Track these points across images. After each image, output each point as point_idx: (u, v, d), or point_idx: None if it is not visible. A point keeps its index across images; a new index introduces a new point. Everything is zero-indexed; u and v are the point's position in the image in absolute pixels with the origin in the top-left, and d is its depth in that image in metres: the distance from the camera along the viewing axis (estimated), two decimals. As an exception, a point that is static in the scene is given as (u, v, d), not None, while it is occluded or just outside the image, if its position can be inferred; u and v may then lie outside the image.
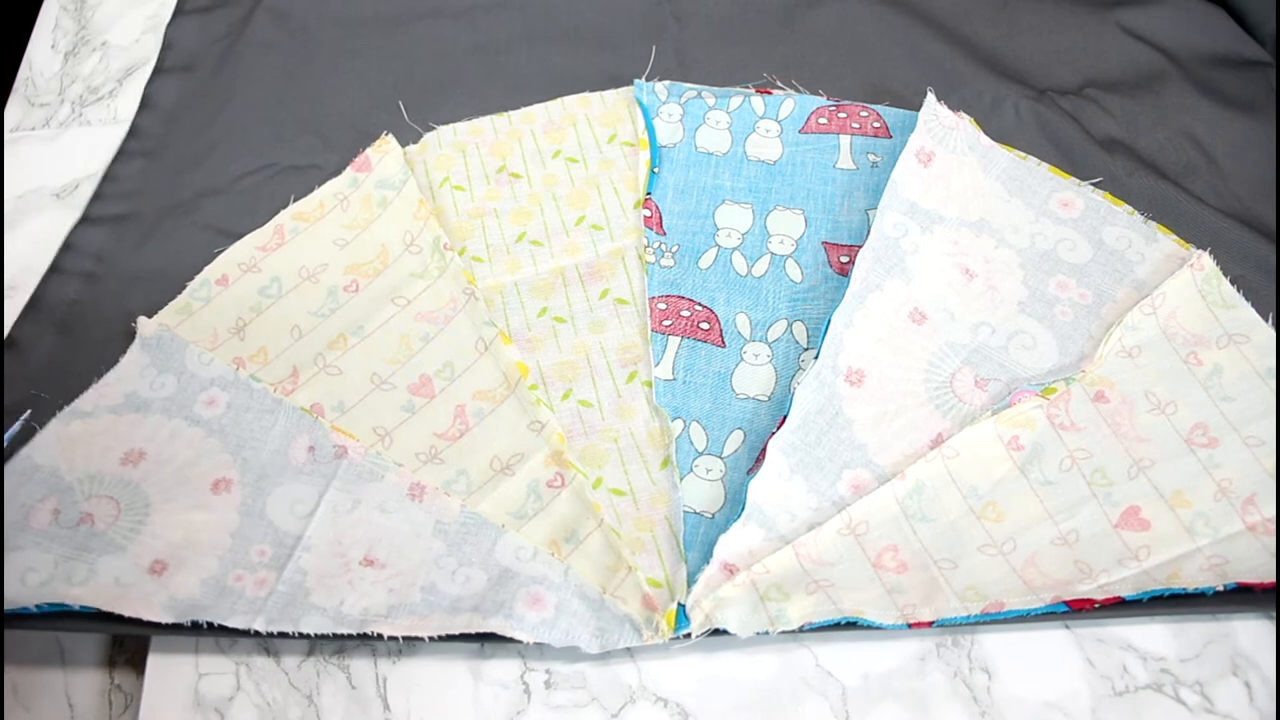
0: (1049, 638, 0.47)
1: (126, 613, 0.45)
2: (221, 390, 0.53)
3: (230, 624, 0.45)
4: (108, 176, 0.64)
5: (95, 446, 0.51)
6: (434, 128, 0.65)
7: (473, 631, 0.45)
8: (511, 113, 0.66)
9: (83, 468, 0.50)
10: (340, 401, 0.53)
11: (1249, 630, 0.47)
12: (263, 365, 0.54)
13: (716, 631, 0.45)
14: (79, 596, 0.45)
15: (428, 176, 0.63)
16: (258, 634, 0.45)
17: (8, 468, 0.50)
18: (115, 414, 0.52)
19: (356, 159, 0.63)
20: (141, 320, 0.55)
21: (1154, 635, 0.47)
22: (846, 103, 0.64)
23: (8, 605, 0.45)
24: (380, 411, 0.53)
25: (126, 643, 0.48)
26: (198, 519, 0.48)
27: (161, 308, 0.57)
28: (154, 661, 0.46)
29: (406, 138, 0.64)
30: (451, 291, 0.57)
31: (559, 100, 0.66)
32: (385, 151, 0.63)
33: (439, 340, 0.55)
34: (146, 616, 0.45)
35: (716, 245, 0.59)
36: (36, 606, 0.45)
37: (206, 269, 0.58)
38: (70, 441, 0.51)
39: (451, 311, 0.56)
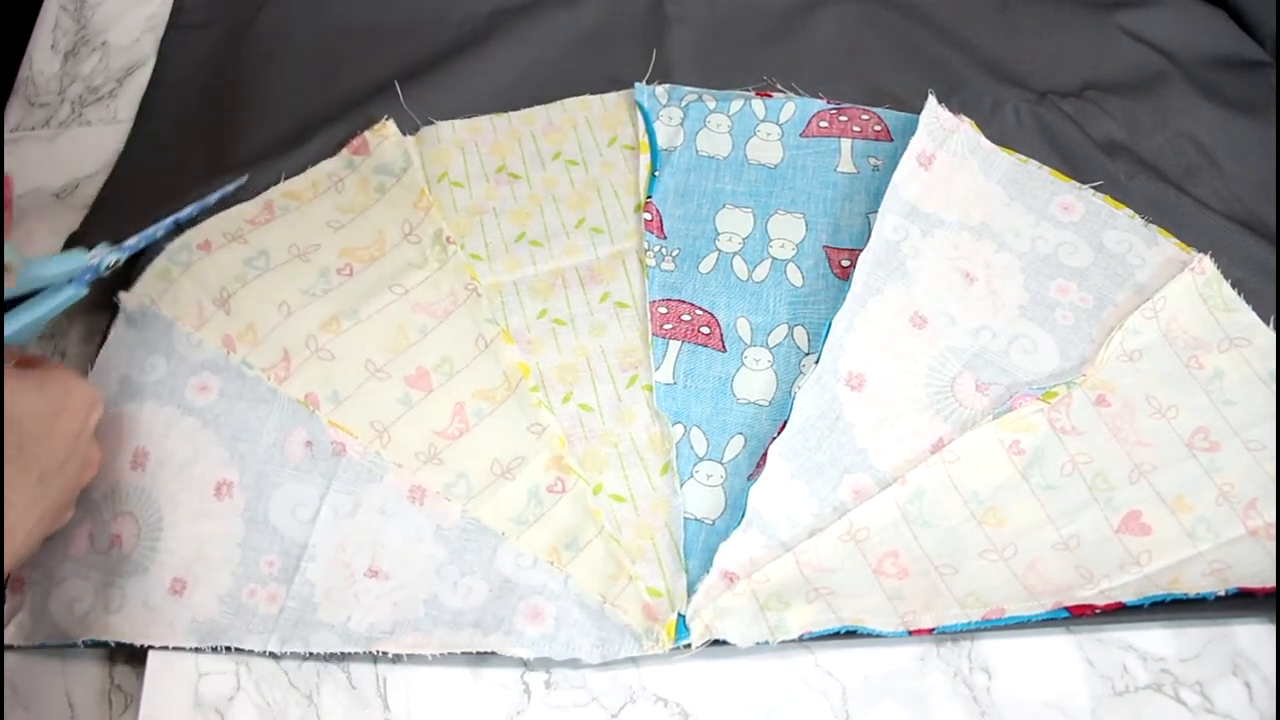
0: (1049, 638, 0.47)
1: (156, 642, 0.46)
2: (213, 375, 0.52)
3: (246, 645, 0.46)
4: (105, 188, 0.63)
5: (106, 448, 0.51)
6: (433, 122, 0.64)
7: (474, 651, 0.45)
8: (511, 114, 0.66)
9: (103, 481, 0.50)
10: (335, 391, 0.53)
11: (1249, 631, 0.47)
12: (253, 347, 0.53)
13: (717, 641, 0.45)
14: (116, 625, 0.46)
15: (424, 170, 0.62)
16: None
17: None
18: (115, 405, 0.52)
19: (353, 141, 0.62)
20: (123, 295, 0.54)
21: (1154, 635, 0.47)
22: (847, 106, 0.64)
23: (59, 638, 0.47)
24: (377, 403, 0.52)
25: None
26: (206, 529, 0.49)
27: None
28: (154, 661, 0.46)
29: (404, 131, 0.64)
30: (452, 285, 0.57)
31: (559, 102, 0.66)
32: (385, 136, 0.62)
33: (437, 334, 0.55)
34: (173, 643, 0.46)
35: (717, 249, 0.59)
36: (83, 642, 0.46)
37: (188, 232, 0.57)
38: None
39: (451, 305, 0.56)
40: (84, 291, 0.51)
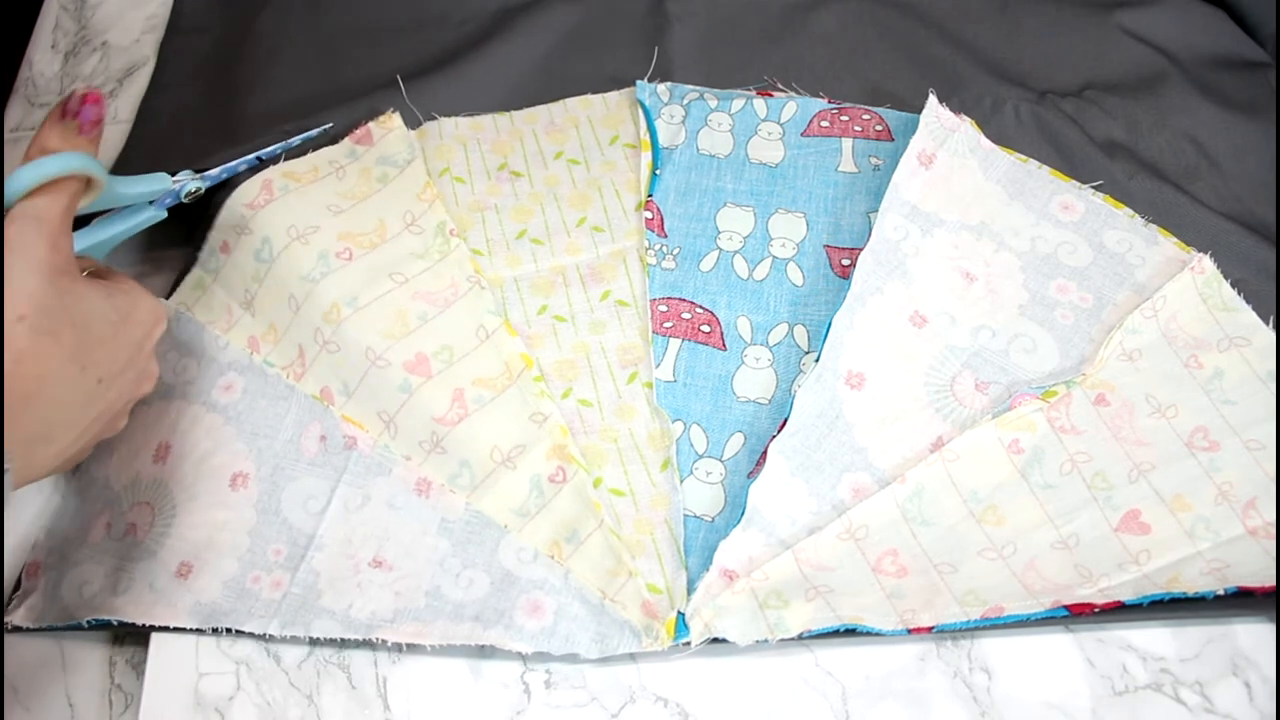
0: (1049, 638, 0.47)
1: (158, 622, 0.46)
2: (238, 375, 0.53)
3: (247, 628, 0.46)
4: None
5: (134, 444, 0.51)
6: (435, 117, 0.64)
7: (473, 644, 0.45)
8: (513, 113, 0.66)
9: (126, 473, 0.51)
10: (345, 383, 0.53)
11: (1249, 630, 0.47)
12: (274, 345, 0.54)
13: (716, 640, 0.45)
14: (121, 607, 0.47)
15: (426, 164, 0.62)
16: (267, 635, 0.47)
17: (73, 484, 0.52)
18: (145, 404, 0.52)
19: (356, 130, 0.61)
20: (162, 303, 0.55)
21: (1154, 635, 0.47)
22: (848, 105, 0.64)
23: (65, 619, 0.47)
24: (381, 394, 0.52)
25: (126, 642, 0.48)
26: (219, 517, 0.49)
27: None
28: (154, 661, 0.46)
29: (407, 126, 0.63)
30: (454, 276, 0.56)
31: (560, 102, 0.66)
32: (389, 128, 0.62)
33: (437, 322, 0.55)
34: (174, 623, 0.46)
35: (718, 248, 0.59)
36: (87, 622, 0.46)
37: (211, 234, 0.57)
38: (114, 442, 0.52)
39: (452, 296, 0.56)
40: (162, 215, 0.53)
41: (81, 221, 0.49)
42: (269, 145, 0.59)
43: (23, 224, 0.40)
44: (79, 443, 0.43)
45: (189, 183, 0.54)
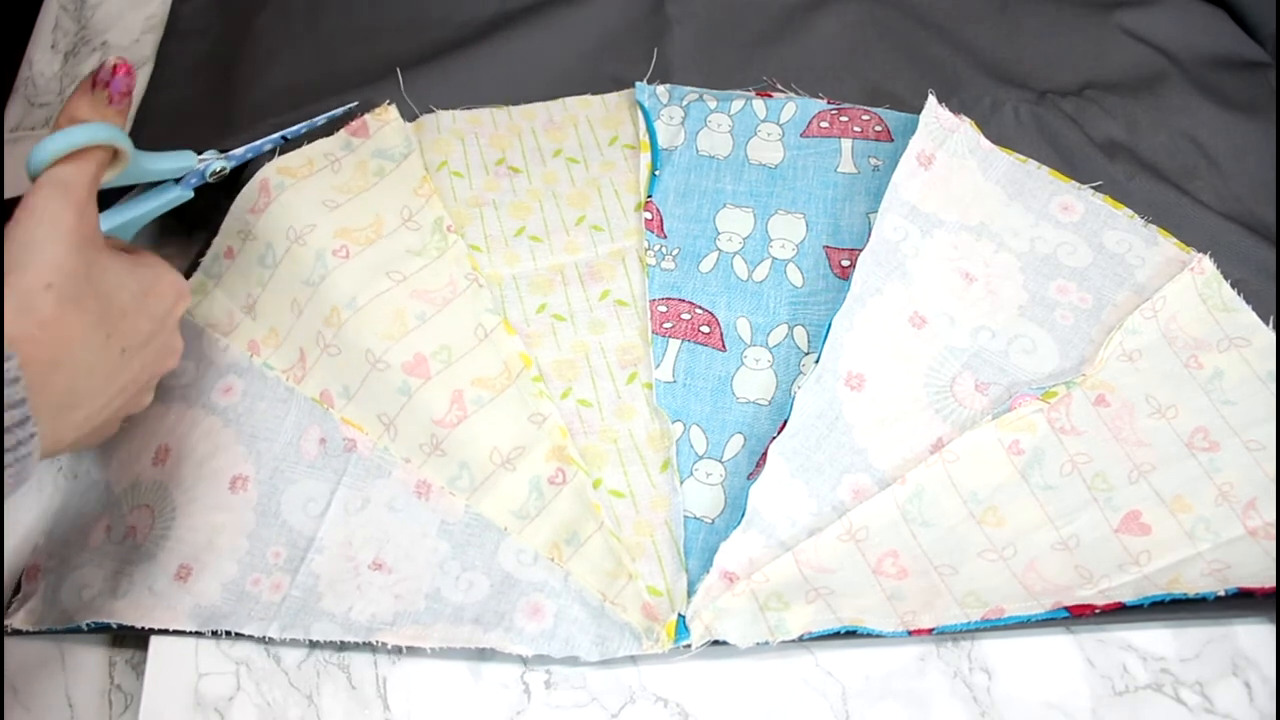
0: (1049, 638, 0.47)
1: (157, 625, 0.46)
2: (238, 377, 0.53)
3: (247, 631, 0.46)
4: None
5: (133, 447, 0.51)
6: (433, 110, 0.64)
7: (473, 646, 0.45)
8: (511, 108, 0.66)
9: (125, 476, 0.51)
10: (345, 386, 0.53)
11: (1249, 631, 0.47)
12: (275, 349, 0.54)
13: (717, 641, 0.45)
14: (121, 610, 0.47)
15: (423, 158, 0.62)
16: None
17: (73, 487, 0.52)
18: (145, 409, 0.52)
19: (352, 123, 0.61)
20: (184, 279, 0.55)
21: (1154, 635, 0.47)
22: (848, 106, 0.64)
23: (65, 622, 0.47)
24: (380, 396, 0.52)
25: (126, 643, 0.48)
26: (218, 520, 0.49)
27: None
28: (154, 661, 0.46)
29: (404, 119, 0.63)
30: (452, 274, 0.56)
31: (560, 100, 0.66)
32: (386, 120, 0.61)
33: (436, 321, 0.54)
34: (173, 626, 0.46)
35: (718, 249, 0.59)
36: (87, 625, 0.46)
37: (216, 240, 0.57)
38: (114, 445, 0.52)
39: (450, 294, 0.55)
40: (189, 195, 0.53)
41: (107, 198, 0.49)
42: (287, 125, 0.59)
43: (49, 191, 0.40)
44: (104, 412, 0.43)
45: (214, 162, 0.54)
